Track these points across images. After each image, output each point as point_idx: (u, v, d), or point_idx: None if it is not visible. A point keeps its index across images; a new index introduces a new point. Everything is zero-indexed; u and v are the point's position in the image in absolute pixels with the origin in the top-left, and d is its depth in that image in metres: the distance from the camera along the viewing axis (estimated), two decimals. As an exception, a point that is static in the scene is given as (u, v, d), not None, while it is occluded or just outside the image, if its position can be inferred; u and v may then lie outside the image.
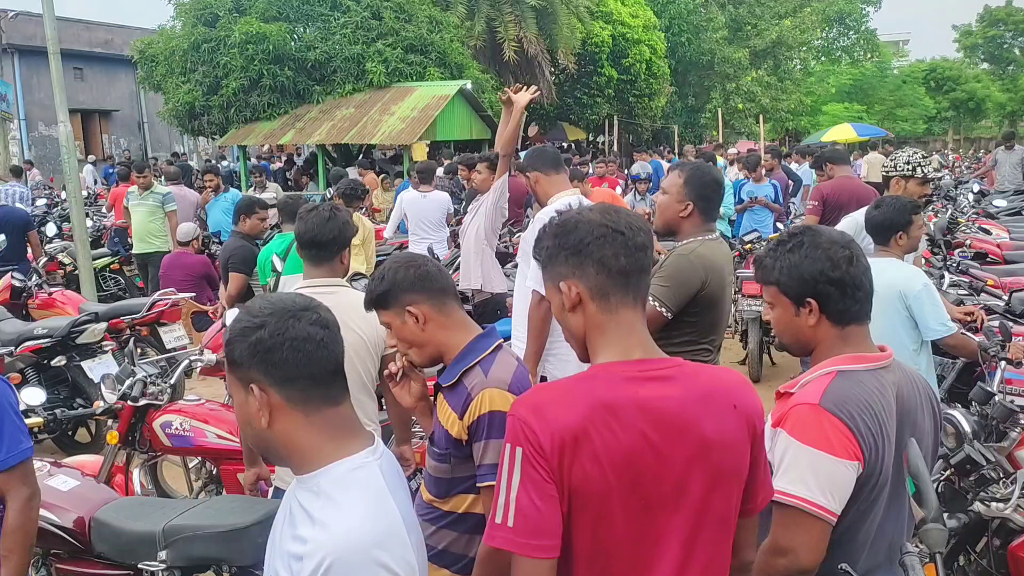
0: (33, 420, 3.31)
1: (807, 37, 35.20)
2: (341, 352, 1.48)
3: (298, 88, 16.26)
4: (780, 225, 8.92)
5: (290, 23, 16.34)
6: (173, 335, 6.52)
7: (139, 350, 6.54)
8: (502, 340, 2.23)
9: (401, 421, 3.27)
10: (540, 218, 3.74)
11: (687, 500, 1.50)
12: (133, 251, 8.93)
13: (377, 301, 2.22)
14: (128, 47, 22.01)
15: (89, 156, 23.40)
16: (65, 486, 2.97)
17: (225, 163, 22.21)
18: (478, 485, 2.06)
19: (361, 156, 16.83)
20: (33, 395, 3.50)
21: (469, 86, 16.71)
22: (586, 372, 1.57)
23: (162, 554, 2.62)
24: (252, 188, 11.39)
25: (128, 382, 3.84)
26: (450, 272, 6.84)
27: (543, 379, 3.80)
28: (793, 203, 11.00)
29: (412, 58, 16.70)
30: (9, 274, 6.93)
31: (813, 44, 39.24)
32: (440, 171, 11.38)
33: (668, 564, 1.50)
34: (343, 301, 2.83)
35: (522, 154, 7.82)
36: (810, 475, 1.77)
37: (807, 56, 39.12)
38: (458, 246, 8.61)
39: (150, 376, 3.95)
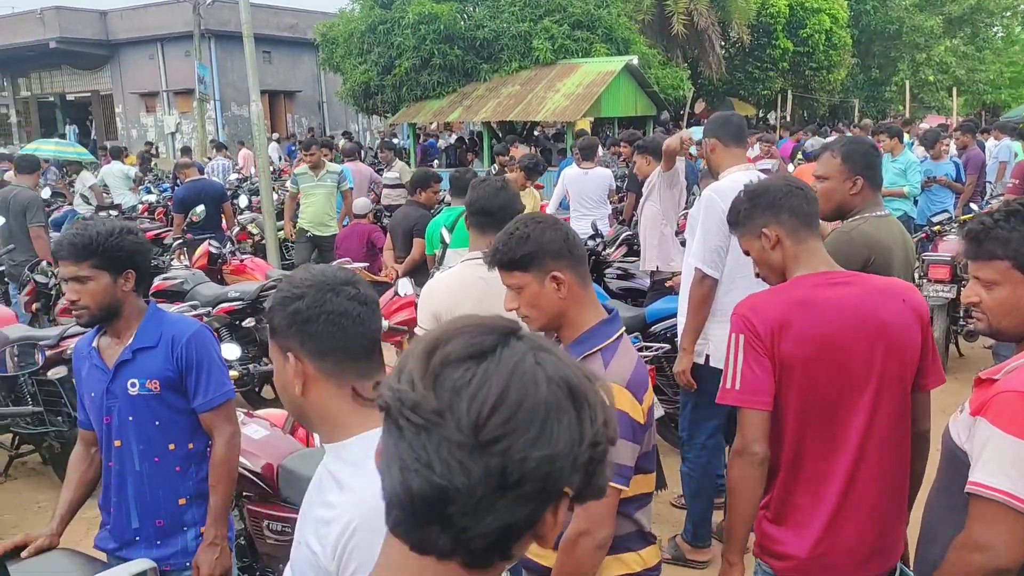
0: (230, 373, 3.61)
1: (1014, 1, 31.99)
2: (378, 329, 1.50)
3: (466, 66, 16.63)
4: (974, 206, 8.21)
5: (460, 3, 16.70)
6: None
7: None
8: (623, 328, 2.10)
9: None
10: (708, 195, 3.63)
11: (872, 368, 2.03)
12: (306, 232, 8.24)
13: (519, 261, 2.03)
14: (311, 30, 23.33)
15: (273, 134, 25.07)
16: (257, 435, 3.22)
17: (396, 140, 23.13)
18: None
19: (524, 133, 17.03)
20: (231, 350, 3.83)
21: (635, 62, 16.46)
22: (786, 283, 2.15)
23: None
24: (379, 165, 11.80)
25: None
26: (612, 250, 6.87)
27: (707, 357, 3.70)
28: (989, 183, 10.09)
29: (578, 34, 16.65)
30: (207, 242, 7.57)
31: (1020, 8, 35.59)
32: (600, 151, 11.34)
33: (859, 416, 2.04)
34: None
35: (692, 130, 7.66)
36: (1015, 468, 1.64)
37: (1011, 22, 35.57)
38: (620, 223, 8.63)
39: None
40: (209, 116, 24.58)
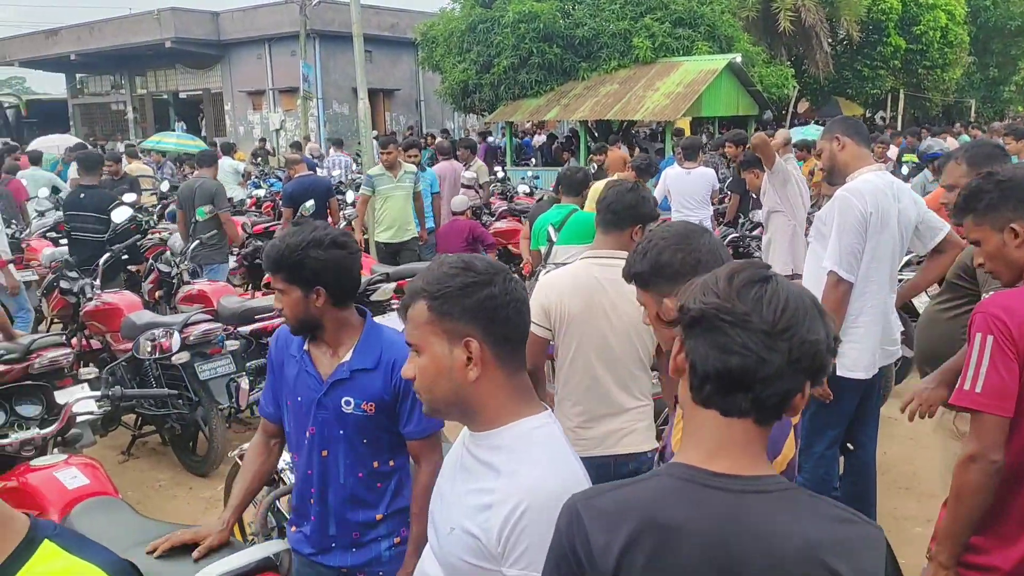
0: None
1: None
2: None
3: (565, 65, 16.60)
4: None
5: (561, 1, 16.68)
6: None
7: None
8: None
9: (673, 396, 3.24)
10: (842, 196, 3.50)
11: None
12: (379, 239, 7.89)
13: (636, 279, 2.00)
14: (411, 30, 23.73)
15: (372, 131, 25.64)
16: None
17: (491, 139, 23.29)
18: None
19: (620, 132, 16.90)
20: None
21: (739, 60, 16.10)
22: None
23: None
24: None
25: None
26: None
27: (834, 366, 3.58)
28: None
29: (680, 32, 16.41)
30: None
31: None
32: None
33: None
34: None
35: (799, 131, 7.46)
36: None
37: None
38: (721, 223, 8.47)
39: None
40: (312, 114, 25.30)
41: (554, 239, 5.30)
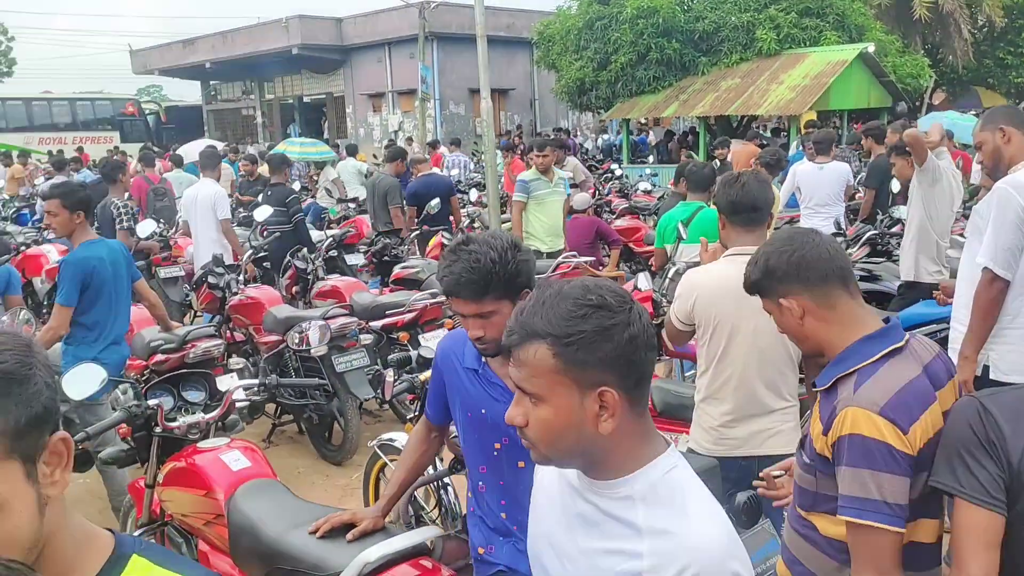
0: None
1: None
2: None
3: (684, 60, 16.31)
4: None
5: (681, -6, 16.42)
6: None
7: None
8: (901, 343, 1.86)
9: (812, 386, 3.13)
10: (1002, 188, 3.29)
11: None
12: (533, 249, 7.11)
13: (753, 288, 2.05)
14: (527, 30, 23.88)
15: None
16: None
17: (606, 136, 23.14)
18: (838, 516, 1.78)
19: (739, 127, 16.46)
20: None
21: (871, 49, 15.38)
22: None
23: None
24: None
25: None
26: (854, 250, 6.45)
27: (985, 368, 3.37)
28: None
29: (807, 22, 15.82)
30: (439, 233, 7.95)
31: None
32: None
33: None
34: None
35: (923, 121, 7.06)
36: None
37: None
38: (854, 220, 8.08)
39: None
40: (429, 114, 25.85)
41: (684, 236, 5.21)
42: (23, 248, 8.63)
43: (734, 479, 2.87)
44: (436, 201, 7.85)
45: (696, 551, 1.21)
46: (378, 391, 5.37)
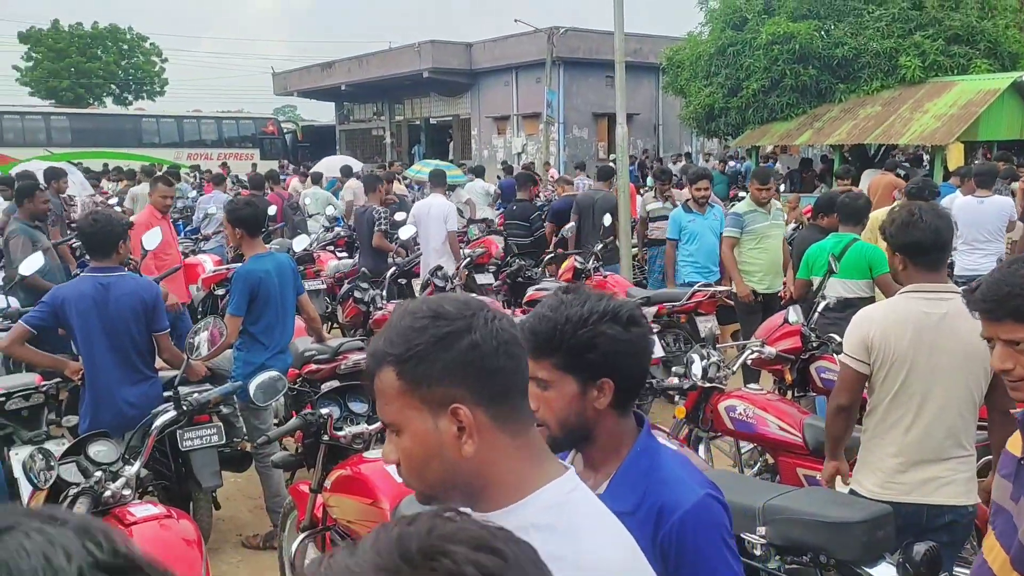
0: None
1: None
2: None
3: (820, 87, 15.85)
4: None
5: (820, 20, 15.97)
6: (706, 324, 6.85)
7: (673, 335, 7.09)
8: None
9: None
10: None
11: None
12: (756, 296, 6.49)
13: (995, 311, 1.81)
14: (654, 55, 23.80)
15: (611, 156, 25.97)
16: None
17: (733, 164, 22.72)
18: None
19: (876, 157, 15.82)
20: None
21: (1025, 78, 14.52)
22: None
23: (761, 530, 2.74)
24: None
25: (702, 364, 4.12)
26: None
27: None
28: None
29: (955, 49, 15.08)
30: (572, 257, 7.99)
31: None
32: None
33: None
34: (957, 307, 2.65)
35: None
36: None
37: None
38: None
39: (720, 361, 4.20)
40: (552, 138, 26.12)
41: (835, 269, 5.05)
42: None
43: (900, 526, 2.75)
44: (571, 225, 7.90)
45: (588, 571, 1.10)
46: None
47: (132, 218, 7.00)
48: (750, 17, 16.53)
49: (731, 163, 22.26)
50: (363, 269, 6.55)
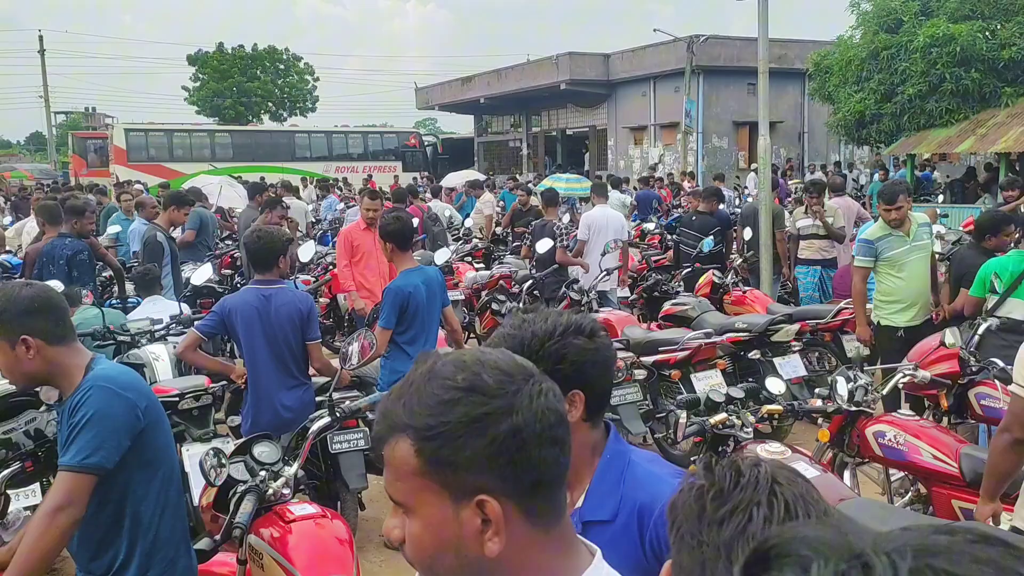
0: (773, 407, 3.69)
1: None
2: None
3: (983, 91, 14.83)
4: None
5: (984, 20, 14.95)
6: (853, 344, 6.56)
7: (816, 354, 6.83)
8: None
9: None
10: None
11: None
12: (891, 322, 5.67)
13: None
14: (799, 60, 22.98)
15: (752, 165, 25.25)
16: (808, 473, 3.21)
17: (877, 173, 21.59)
18: None
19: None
20: (776, 384, 3.90)
21: None
22: None
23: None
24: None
25: (849, 386, 3.97)
26: None
27: None
28: None
29: None
30: (710, 271, 7.86)
31: None
32: None
33: None
34: None
35: None
36: None
37: None
38: None
39: (868, 384, 4.03)
40: (691, 147, 25.69)
41: (997, 288, 4.74)
42: (332, 268, 9.75)
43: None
44: (709, 239, 7.78)
45: None
46: (648, 424, 5.50)
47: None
48: (906, 19, 15.70)
49: (880, 170, 21.17)
50: (503, 282, 6.68)
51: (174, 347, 5.33)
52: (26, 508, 3.44)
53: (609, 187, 15.21)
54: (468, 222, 11.94)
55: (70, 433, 2.19)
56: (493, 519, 0.96)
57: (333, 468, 4.25)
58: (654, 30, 24.74)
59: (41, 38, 39.78)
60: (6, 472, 2.73)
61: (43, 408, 3.05)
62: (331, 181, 24.02)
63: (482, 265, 10.13)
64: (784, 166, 23.57)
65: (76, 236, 6.67)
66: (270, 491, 2.87)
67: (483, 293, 7.94)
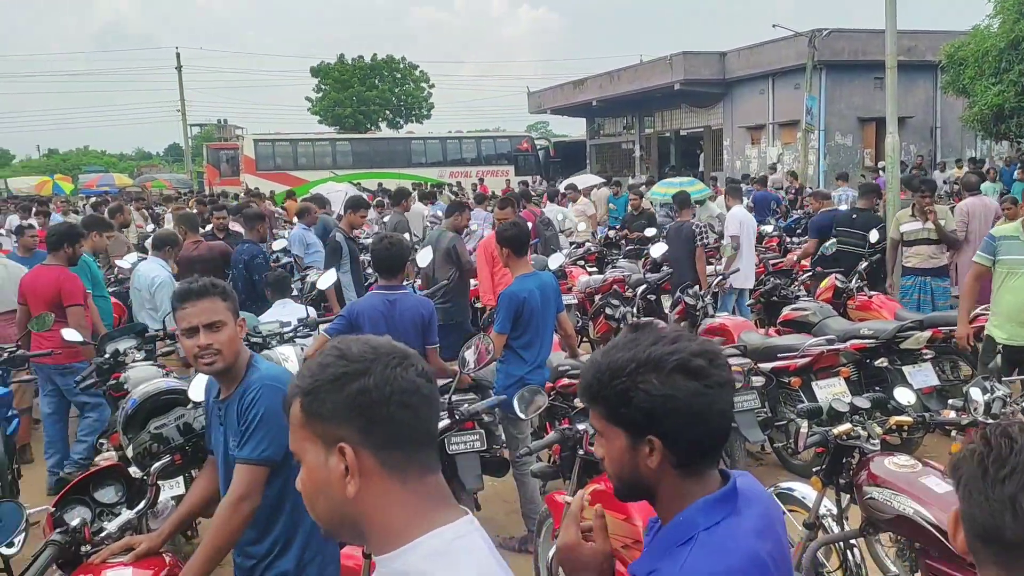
0: (902, 419, 3.54)
1: None
2: (439, 410, 1.29)
3: None
4: None
5: None
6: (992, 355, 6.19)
7: (950, 363, 6.46)
8: None
9: None
10: None
11: None
12: (1000, 336, 5.17)
13: None
14: (931, 53, 21.81)
15: (879, 164, 24.11)
16: (939, 488, 3.07)
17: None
18: None
19: None
20: (904, 394, 3.74)
21: None
22: None
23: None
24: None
25: (985, 397, 3.76)
26: None
27: None
28: None
29: None
30: (833, 275, 7.58)
31: None
32: None
33: None
34: None
35: None
36: None
37: None
38: None
39: (1006, 395, 3.81)
40: (812, 146, 24.78)
41: None
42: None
43: None
44: (833, 241, 7.51)
45: None
46: (767, 433, 5.38)
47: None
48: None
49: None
50: (618, 287, 6.67)
51: (301, 349, 5.62)
52: (172, 498, 3.72)
53: (723, 189, 14.93)
54: (581, 226, 11.94)
55: (245, 428, 2.43)
56: (349, 464, 1.15)
57: (450, 469, 4.37)
58: (773, 25, 23.96)
59: (178, 55, 42.46)
60: (158, 464, 2.96)
61: (190, 405, 3.29)
62: (445, 187, 24.53)
63: (595, 269, 10.12)
64: (914, 163, 22.39)
65: (256, 241, 7.39)
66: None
67: (596, 297, 7.93)
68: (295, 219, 9.77)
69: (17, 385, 5.99)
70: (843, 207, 13.44)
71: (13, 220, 13.96)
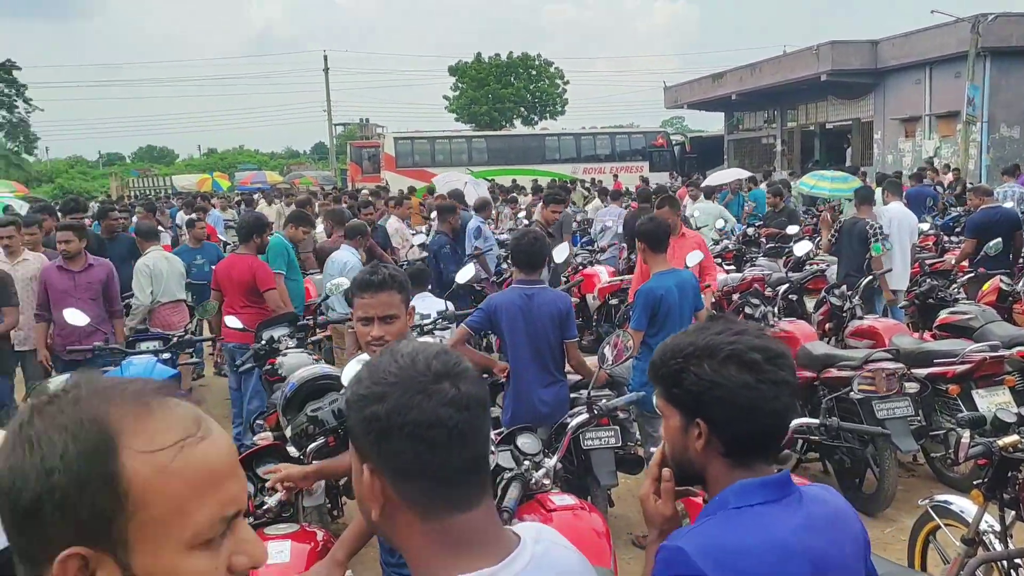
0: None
1: None
2: (484, 441, 1.11)
3: None
4: None
5: None
6: None
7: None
8: None
9: None
10: None
11: None
12: None
13: None
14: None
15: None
16: None
17: None
18: None
19: None
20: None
21: None
22: None
23: None
24: None
25: None
26: None
27: None
28: None
29: None
30: (998, 277, 7.06)
31: None
32: None
33: None
34: None
35: None
36: None
37: None
38: None
39: None
40: (973, 139, 23.12)
41: None
42: (580, 267, 10.01)
43: None
44: (996, 242, 6.99)
45: None
46: (920, 442, 5.09)
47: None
48: None
49: None
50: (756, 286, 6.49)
51: (440, 340, 5.79)
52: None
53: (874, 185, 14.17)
54: (719, 223, 11.65)
55: None
56: (365, 485, 1.10)
57: (585, 464, 4.38)
58: (932, 11, 22.46)
59: (326, 58, 44.51)
60: (313, 445, 3.14)
61: (343, 390, 3.47)
62: (578, 183, 24.51)
63: (733, 267, 9.86)
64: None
65: (447, 233, 8.31)
66: (533, 480, 3.05)
67: (735, 296, 7.72)
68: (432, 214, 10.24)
69: (183, 367, 6.48)
70: (1008, 204, 12.50)
71: (181, 216, 15.19)
